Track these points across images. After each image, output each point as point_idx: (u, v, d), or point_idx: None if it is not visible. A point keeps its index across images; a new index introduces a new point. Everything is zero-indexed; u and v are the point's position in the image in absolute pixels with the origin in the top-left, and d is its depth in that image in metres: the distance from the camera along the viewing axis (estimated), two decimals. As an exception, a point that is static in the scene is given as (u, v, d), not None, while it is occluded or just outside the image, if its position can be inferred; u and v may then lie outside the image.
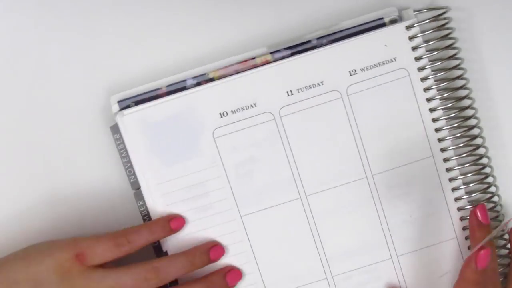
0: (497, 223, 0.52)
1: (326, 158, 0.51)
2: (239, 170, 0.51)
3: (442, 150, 0.51)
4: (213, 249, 0.50)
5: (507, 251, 0.52)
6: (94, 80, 0.52)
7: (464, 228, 0.52)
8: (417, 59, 0.51)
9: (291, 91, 0.51)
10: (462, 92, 0.51)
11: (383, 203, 0.52)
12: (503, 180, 0.53)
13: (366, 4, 0.52)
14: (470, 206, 0.51)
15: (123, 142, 0.51)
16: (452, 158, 0.51)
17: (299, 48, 0.51)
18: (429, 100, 0.51)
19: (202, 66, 0.52)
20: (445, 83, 0.51)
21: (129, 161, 0.51)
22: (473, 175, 0.52)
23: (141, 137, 0.50)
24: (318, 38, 0.51)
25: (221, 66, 0.51)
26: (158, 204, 0.51)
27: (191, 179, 0.51)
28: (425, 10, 0.52)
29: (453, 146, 0.51)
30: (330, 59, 0.50)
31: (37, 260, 0.46)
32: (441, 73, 0.51)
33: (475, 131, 0.51)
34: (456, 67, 0.51)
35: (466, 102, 0.51)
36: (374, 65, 0.50)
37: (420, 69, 0.51)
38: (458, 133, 0.51)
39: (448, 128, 0.51)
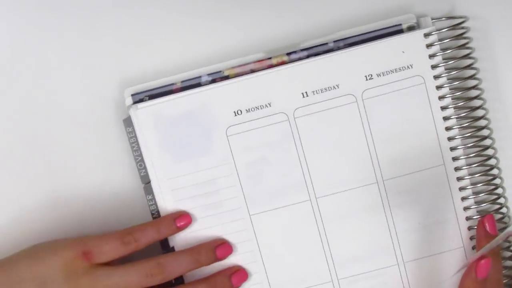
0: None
1: (338, 162, 0.51)
2: (251, 169, 0.51)
3: (454, 159, 0.51)
4: (220, 247, 0.50)
5: (507, 244, 0.52)
6: (108, 72, 0.52)
7: (471, 238, 0.52)
8: (434, 67, 0.51)
9: (306, 92, 0.51)
10: (477, 102, 0.51)
11: (392, 208, 0.52)
12: (513, 192, 0.53)
13: (384, 10, 0.53)
14: (479, 216, 0.51)
15: (135, 136, 0.51)
16: (463, 168, 0.51)
17: (315, 50, 0.51)
18: (443, 108, 0.51)
19: (217, 63, 0.51)
20: (459, 92, 0.51)
21: (140, 155, 0.51)
22: (483, 185, 0.52)
23: (153, 131, 0.50)
24: (335, 41, 0.51)
25: (237, 64, 0.51)
26: (167, 199, 0.51)
27: (202, 176, 0.51)
28: (443, 19, 0.52)
29: (464, 155, 0.51)
30: (347, 63, 0.50)
31: (42, 259, 0.46)
32: (457, 82, 0.51)
33: (487, 142, 0.52)
34: (471, 77, 0.51)
35: (480, 112, 0.51)
36: (391, 71, 0.50)
37: (436, 77, 0.51)
38: (470, 143, 0.51)
39: (460, 138, 0.51)
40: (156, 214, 0.51)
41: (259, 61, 0.51)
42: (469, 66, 0.51)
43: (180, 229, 0.50)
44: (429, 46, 0.50)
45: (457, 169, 0.51)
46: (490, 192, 0.52)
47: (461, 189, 0.52)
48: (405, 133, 0.51)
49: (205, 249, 0.50)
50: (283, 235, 0.51)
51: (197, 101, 0.50)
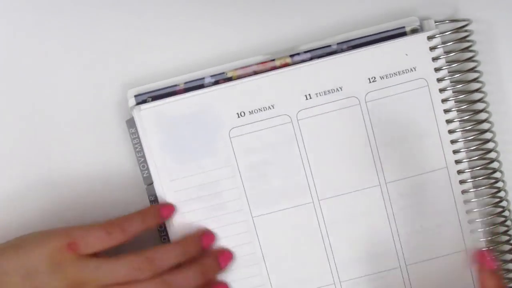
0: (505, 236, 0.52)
1: (341, 164, 0.51)
2: (253, 171, 0.51)
3: (457, 162, 0.51)
4: (205, 236, 0.50)
5: (509, 246, 0.52)
6: (111, 73, 0.52)
7: (474, 241, 0.52)
8: (437, 69, 0.51)
9: (309, 95, 0.51)
10: (480, 105, 0.51)
11: (395, 211, 0.52)
12: (515, 195, 0.53)
13: (387, 13, 0.53)
14: (481, 219, 0.51)
15: (138, 137, 0.51)
16: (466, 171, 0.51)
17: (318, 52, 0.51)
18: (446, 111, 0.51)
19: (220, 65, 0.51)
20: (463, 95, 0.51)
21: (143, 156, 0.51)
22: (486, 188, 0.52)
23: (156, 132, 0.50)
24: (338, 43, 0.51)
25: (240, 66, 0.51)
26: (170, 200, 0.51)
27: (205, 178, 0.51)
28: (446, 22, 0.52)
29: (467, 158, 0.51)
30: (350, 65, 0.50)
31: (28, 250, 0.45)
32: (460, 85, 0.51)
33: (490, 145, 0.52)
34: (475, 80, 0.51)
35: (483, 116, 0.51)
36: (394, 73, 0.51)
37: (439, 80, 0.51)
38: (473, 146, 0.51)
39: (463, 141, 0.51)
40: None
41: (262, 63, 0.51)
42: (472, 69, 0.51)
43: (165, 218, 0.50)
44: (432, 49, 0.51)
45: (459, 172, 0.51)
46: (493, 195, 0.52)
47: (463, 192, 0.52)
48: (408, 136, 0.51)
49: (191, 240, 0.49)
50: (286, 237, 0.51)
51: (200, 103, 0.50)
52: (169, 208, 0.50)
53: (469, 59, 0.51)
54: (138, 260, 0.47)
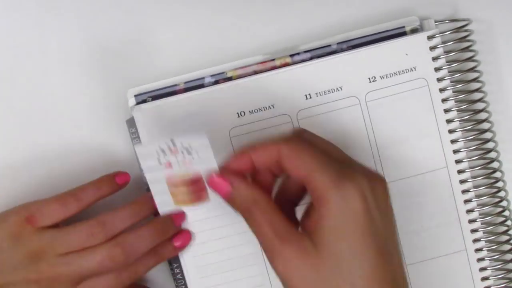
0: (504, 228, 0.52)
1: (341, 164, 0.51)
2: (253, 170, 0.51)
3: (457, 161, 0.51)
4: None
5: (509, 246, 0.52)
6: (111, 73, 0.52)
7: (474, 241, 0.52)
8: (437, 69, 0.51)
9: (309, 94, 0.51)
10: (480, 105, 0.51)
11: (395, 211, 0.51)
12: (515, 195, 0.53)
13: (387, 12, 0.53)
14: (481, 219, 0.51)
15: (138, 137, 0.51)
16: (466, 170, 0.51)
17: (318, 52, 0.51)
18: (446, 111, 0.51)
19: (220, 64, 0.51)
20: (463, 95, 0.51)
21: (143, 156, 0.51)
22: (486, 187, 0.52)
23: (157, 132, 0.50)
24: (338, 43, 0.51)
25: (240, 66, 0.51)
26: (170, 200, 0.50)
27: (205, 177, 0.51)
28: (446, 21, 0.52)
29: (467, 158, 0.51)
30: (350, 65, 0.50)
31: None
32: (460, 85, 0.51)
33: (490, 144, 0.52)
34: (475, 80, 0.51)
35: (483, 115, 0.51)
36: (394, 73, 0.51)
37: (439, 79, 0.51)
38: (473, 146, 0.51)
39: (463, 140, 0.51)
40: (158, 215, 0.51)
41: (262, 62, 0.51)
42: (472, 69, 0.51)
43: (120, 186, 0.49)
44: (432, 48, 0.51)
45: (460, 171, 0.51)
46: (493, 195, 0.52)
47: (464, 192, 0.52)
48: (408, 136, 0.51)
49: (143, 200, 0.49)
50: (286, 237, 0.51)
51: (200, 103, 0.50)
52: (124, 176, 0.49)
53: (469, 59, 0.51)
54: (90, 226, 0.47)
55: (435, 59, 0.51)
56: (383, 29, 0.51)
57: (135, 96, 0.51)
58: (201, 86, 0.51)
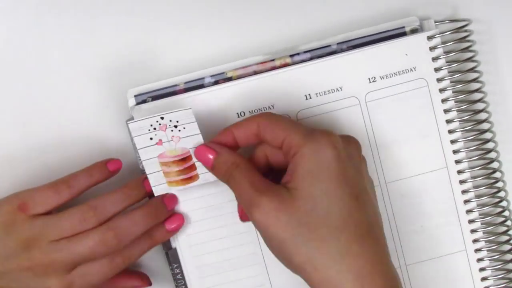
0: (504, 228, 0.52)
1: (341, 164, 0.51)
2: (253, 170, 0.51)
3: (457, 162, 0.51)
4: (147, 180, 0.49)
5: (509, 246, 0.52)
6: (111, 73, 0.52)
7: (474, 241, 0.52)
8: (437, 69, 0.51)
9: (309, 95, 0.51)
10: (480, 105, 0.51)
11: (395, 211, 0.52)
12: (515, 195, 0.53)
13: (387, 13, 0.53)
14: (481, 219, 0.51)
15: (138, 137, 0.50)
16: (466, 171, 0.51)
17: (318, 52, 0.51)
18: (446, 111, 0.51)
19: (220, 65, 0.51)
20: (463, 95, 0.51)
21: (143, 156, 0.51)
22: (486, 188, 0.52)
23: (156, 132, 0.50)
24: (338, 43, 0.51)
25: (240, 66, 0.51)
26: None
27: (205, 178, 0.51)
28: (446, 22, 0.52)
29: (467, 158, 0.51)
30: (350, 65, 0.50)
31: None
32: (460, 85, 0.51)
33: (490, 145, 0.52)
34: (474, 80, 0.51)
35: (483, 116, 0.51)
36: (394, 73, 0.51)
37: (439, 80, 0.51)
38: (473, 146, 0.51)
39: (463, 140, 0.51)
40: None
41: (262, 63, 0.51)
42: (472, 69, 0.51)
43: (112, 173, 0.49)
44: (432, 49, 0.51)
45: (460, 172, 0.51)
46: (493, 195, 0.52)
47: (463, 192, 0.52)
48: (408, 136, 0.51)
49: (133, 183, 0.49)
50: (286, 237, 0.51)
51: (200, 103, 0.50)
52: (116, 162, 0.49)
53: (469, 59, 0.51)
54: (82, 210, 0.47)
55: (435, 59, 0.51)
56: (383, 29, 0.51)
57: (135, 96, 0.51)
58: (201, 86, 0.51)
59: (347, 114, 0.51)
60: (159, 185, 0.49)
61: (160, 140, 0.47)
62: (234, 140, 0.46)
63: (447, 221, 0.52)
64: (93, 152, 0.52)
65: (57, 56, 0.52)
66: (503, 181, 0.52)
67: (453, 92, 0.51)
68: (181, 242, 0.51)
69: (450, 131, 0.51)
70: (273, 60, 0.51)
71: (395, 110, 0.51)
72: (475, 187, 0.52)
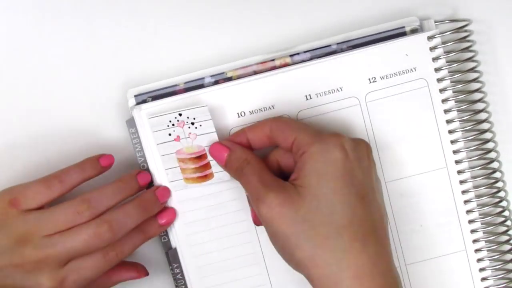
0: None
1: (341, 164, 0.51)
2: (253, 171, 0.51)
3: (457, 162, 0.51)
4: (140, 174, 0.50)
5: (509, 246, 0.52)
6: (111, 73, 0.52)
7: (474, 241, 0.52)
8: (437, 70, 0.51)
9: (309, 95, 0.51)
10: (480, 105, 0.51)
11: (394, 210, 0.52)
12: (515, 195, 0.53)
13: (387, 13, 0.53)
14: (481, 219, 0.52)
15: (138, 137, 0.51)
16: (466, 171, 0.51)
17: (318, 52, 0.51)
18: (446, 111, 0.51)
19: (220, 65, 0.51)
20: (463, 95, 0.51)
21: (143, 156, 0.51)
22: (486, 188, 0.52)
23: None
24: (338, 43, 0.51)
25: (240, 66, 0.51)
26: (170, 200, 0.51)
27: (205, 178, 0.51)
28: (446, 22, 0.52)
29: (467, 158, 0.51)
30: (350, 65, 0.50)
31: None
32: (460, 85, 0.51)
33: (490, 145, 0.52)
34: (475, 80, 0.51)
35: (483, 115, 0.52)
36: (394, 73, 0.51)
37: (439, 80, 0.51)
38: (473, 146, 0.51)
39: (463, 140, 0.51)
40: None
41: (262, 62, 0.51)
42: (472, 69, 0.51)
43: (104, 168, 0.49)
44: (432, 49, 0.51)
45: (460, 172, 0.51)
46: (493, 195, 0.52)
47: (463, 192, 0.52)
48: (408, 136, 0.51)
49: (127, 177, 0.49)
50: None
51: (200, 103, 0.50)
52: (108, 158, 0.49)
53: (469, 59, 0.51)
54: (76, 204, 0.47)
55: (435, 59, 0.51)
56: (383, 30, 0.51)
57: (135, 96, 0.51)
58: (201, 86, 0.51)
59: (347, 114, 0.51)
60: (176, 181, 0.50)
61: (178, 136, 0.49)
62: (248, 141, 0.48)
63: (447, 221, 0.52)
64: (93, 152, 0.52)
65: (57, 55, 0.52)
66: (503, 181, 0.52)
67: (453, 92, 0.51)
68: (181, 242, 0.51)
69: (450, 131, 0.51)
70: (273, 60, 0.51)
71: (395, 110, 0.51)
72: (475, 187, 0.52)
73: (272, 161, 0.48)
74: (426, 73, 0.51)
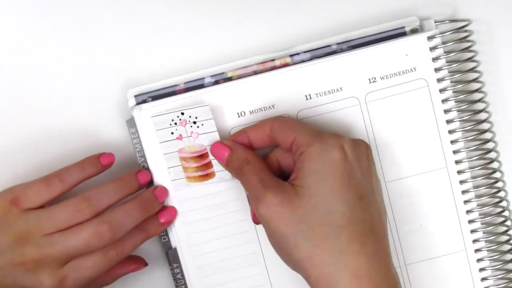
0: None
1: (341, 164, 0.51)
2: (253, 171, 0.51)
3: (457, 162, 0.51)
4: (140, 173, 0.50)
5: (509, 246, 0.52)
6: (111, 73, 0.52)
7: (474, 241, 0.52)
8: (437, 70, 0.51)
9: (309, 95, 0.51)
10: (480, 105, 0.51)
11: (394, 210, 0.52)
12: (515, 195, 0.53)
13: (387, 13, 0.53)
14: (481, 219, 0.52)
15: (138, 137, 0.51)
16: (466, 171, 0.51)
17: (318, 52, 0.51)
18: (446, 111, 0.51)
19: (220, 65, 0.51)
20: (463, 95, 0.51)
21: (143, 156, 0.51)
22: (486, 188, 0.52)
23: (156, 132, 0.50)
24: (338, 44, 0.51)
25: (240, 66, 0.51)
26: (171, 200, 0.51)
27: (205, 177, 0.51)
28: (446, 22, 0.52)
29: (467, 158, 0.51)
30: (350, 65, 0.50)
31: None
32: (460, 85, 0.51)
33: (490, 145, 0.52)
34: (475, 80, 0.51)
35: (483, 115, 0.52)
36: (394, 73, 0.51)
37: (439, 80, 0.51)
38: (473, 146, 0.51)
39: (463, 141, 0.51)
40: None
41: (262, 62, 0.51)
42: (472, 69, 0.51)
43: (105, 167, 0.49)
44: (432, 49, 0.51)
45: (460, 172, 0.51)
46: (493, 195, 0.52)
47: (463, 192, 0.52)
48: (408, 136, 0.51)
49: (127, 176, 0.49)
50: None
51: (200, 103, 0.50)
52: (108, 156, 0.49)
53: (469, 59, 0.51)
54: (76, 202, 0.47)
55: (435, 59, 0.51)
56: (383, 30, 0.51)
57: (135, 96, 0.51)
58: (201, 86, 0.51)
59: (347, 115, 0.51)
60: (178, 179, 0.50)
61: (180, 135, 0.49)
62: (249, 141, 0.48)
63: (447, 221, 0.52)
64: (93, 152, 0.52)
65: (57, 55, 0.52)
66: (503, 181, 0.52)
67: (453, 92, 0.51)
68: (181, 242, 0.51)
69: (450, 131, 0.51)
70: (273, 60, 0.51)
71: (395, 111, 0.51)
72: (475, 187, 0.52)
73: (273, 161, 0.48)
74: (426, 73, 0.51)
